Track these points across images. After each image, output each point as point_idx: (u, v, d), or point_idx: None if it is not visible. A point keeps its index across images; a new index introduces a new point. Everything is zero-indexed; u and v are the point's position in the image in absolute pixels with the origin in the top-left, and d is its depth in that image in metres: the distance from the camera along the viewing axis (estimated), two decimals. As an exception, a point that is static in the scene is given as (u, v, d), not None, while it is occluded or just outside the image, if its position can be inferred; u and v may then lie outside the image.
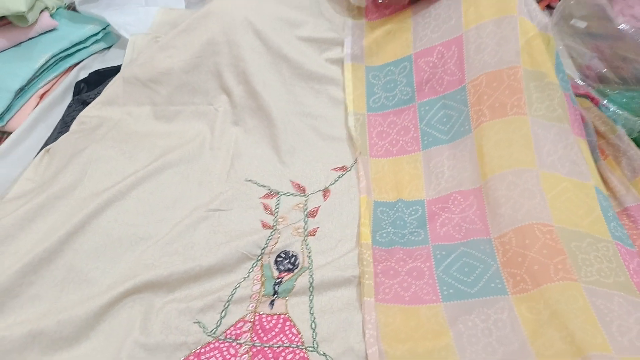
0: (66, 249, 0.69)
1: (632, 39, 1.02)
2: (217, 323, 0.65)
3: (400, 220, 0.77)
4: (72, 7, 1.10)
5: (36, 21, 0.96)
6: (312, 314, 0.66)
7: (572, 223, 0.69)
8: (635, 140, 0.87)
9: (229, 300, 0.67)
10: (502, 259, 0.68)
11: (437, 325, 0.64)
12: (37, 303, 0.64)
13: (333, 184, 0.83)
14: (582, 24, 1.13)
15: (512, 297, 0.65)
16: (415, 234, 0.75)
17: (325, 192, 0.82)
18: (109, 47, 1.08)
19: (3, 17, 0.94)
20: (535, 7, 0.88)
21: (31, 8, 0.94)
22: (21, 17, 0.93)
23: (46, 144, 0.87)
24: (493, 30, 0.84)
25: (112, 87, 0.93)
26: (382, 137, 0.90)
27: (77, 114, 0.89)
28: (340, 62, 1.01)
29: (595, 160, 0.85)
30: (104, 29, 1.06)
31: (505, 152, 0.75)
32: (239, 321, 0.65)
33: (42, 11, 0.98)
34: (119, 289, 0.65)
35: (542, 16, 0.87)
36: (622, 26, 1.03)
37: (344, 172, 0.85)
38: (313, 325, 0.65)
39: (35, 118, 0.90)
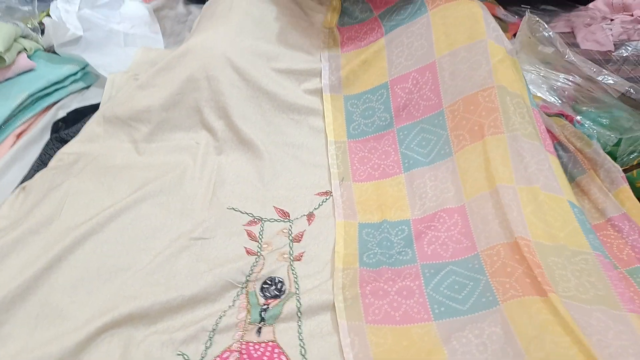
0: (41, 285, 0.66)
1: (583, 69, 1.07)
2: (202, 354, 0.62)
3: (387, 241, 0.76)
4: (51, 50, 1.10)
5: (14, 62, 0.96)
6: (301, 339, 0.64)
7: (550, 236, 0.69)
8: (609, 153, 0.89)
9: (213, 330, 0.64)
10: (491, 270, 0.68)
11: (430, 344, 0.62)
12: (8, 342, 0.61)
13: (317, 208, 0.82)
14: (549, 50, 1.18)
15: (503, 306, 0.63)
16: (403, 253, 0.74)
17: (310, 216, 0.81)
18: (88, 87, 1.08)
19: (-21, 59, 0.94)
20: (500, 33, 0.92)
21: (8, 49, 0.94)
22: (-2, 58, 0.93)
23: (23, 182, 0.85)
24: (465, 56, 0.88)
25: (93, 125, 0.92)
26: (363, 162, 0.90)
27: (55, 152, 0.88)
28: (318, 92, 1.02)
29: (579, 174, 0.86)
30: (83, 68, 1.06)
31: (486, 173, 0.76)
32: (225, 351, 0.62)
33: (19, 52, 0.99)
34: (96, 323, 0.61)
35: (507, 42, 0.91)
36: (570, 58, 1.09)
37: (328, 197, 0.85)
38: (303, 351, 0.62)
39: (12, 157, 0.88)
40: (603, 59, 1.14)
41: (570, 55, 1.08)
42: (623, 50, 1.09)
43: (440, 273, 0.71)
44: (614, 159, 0.87)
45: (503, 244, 0.69)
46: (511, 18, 1.32)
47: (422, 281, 0.70)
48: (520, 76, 0.87)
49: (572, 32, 1.21)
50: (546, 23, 1.15)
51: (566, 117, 0.96)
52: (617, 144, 0.92)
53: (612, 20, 1.20)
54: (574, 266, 0.66)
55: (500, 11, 1.31)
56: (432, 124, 0.88)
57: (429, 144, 0.87)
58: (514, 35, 1.24)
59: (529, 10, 1.21)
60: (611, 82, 1.01)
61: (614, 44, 1.13)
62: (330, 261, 0.73)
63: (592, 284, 0.64)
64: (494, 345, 0.60)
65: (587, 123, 0.95)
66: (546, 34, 1.12)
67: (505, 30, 1.26)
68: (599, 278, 0.65)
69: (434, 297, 0.68)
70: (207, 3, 1.16)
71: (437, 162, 0.84)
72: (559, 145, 0.90)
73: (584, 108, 1.01)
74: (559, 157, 0.88)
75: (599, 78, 1.02)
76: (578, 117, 0.95)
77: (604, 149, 0.90)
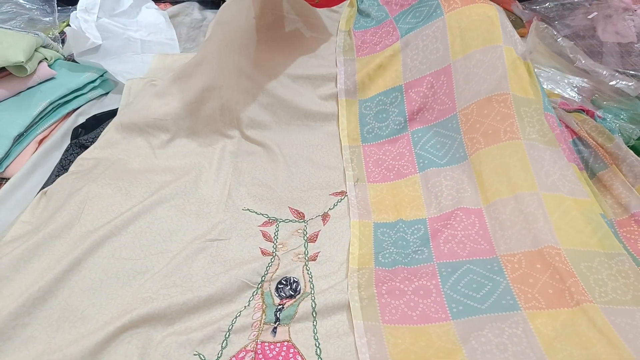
0: (61, 288, 0.67)
1: (594, 75, 1.05)
2: (218, 354, 0.62)
3: (403, 240, 0.75)
4: (70, 58, 1.13)
5: (35, 71, 0.99)
6: (316, 339, 0.63)
7: (581, 243, 0.68)
8: (633, 147, 0.87)
9: (229, 330, 0.64)
10: (512, 275, 0.67)
11: (448, 344, 0.61)
12: (30, 345, 0.62)
13: (332, 208, 0.82)
14: (558, 58, 1.15)
15: (525, 312, 0.62)
16: (419, 252, 0.73)
17: (325, 216, 0.81)
18: (107, 93, 1.10)
19: (3, 69, 0.96)
20: (516, 37, 0.90)
21: (30, 59, 0.97)
22: (20, 67, 0.95)
23: (44, 187, 0.87)
24: (480, 59, 0.86)
25: (111, 132, 0.93)
26: (378, 164, 0.90)
27: (75, 158, 0.90)
28: (333, 97, 1.02)
29: (600, 169, 0.84)
30: (101, 76, 1.08)
31: (504, 178, 0.76)
32: (240, 351, 0.62)
33: (40, 62, 1.01)
34: (115, 325, 0.62)
35: (522, 45, 0.89)
36: (581, 65, 1.07)
37: (343, 197, 0.84)
38: (318, 351, 0.62)
39: (33, 163, 0.90)
40: (625, 51, 1.11)
41: (581, 60, 1.05)
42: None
43: (458, 272, 0.70)
44: (637, 153, 0.84)
45: (525, 252, 0.68)
46: (527, 14, 1.29)
47: (439, 280, 0.69)
48: (534, 80, 0.86)
49: (592, 24, 1.18)
50: (564, 17, 1.13)
51: (587, 112, 0.94)
52: (640, 138, 0.89)
53: (634, 11, 1.17)
54: (609, 270, 0.65)
55: (517, 7, 1.29)
56: (445, 128, 0.88)
57: (444, 147, 0.87)
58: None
59: (535, 18, 1.18)
60: (624, 85, 0.99)
61: (636, 35, 1.10)
62: (345, 261, 0.73)
63: (629, 285, 0.63)
64: (515, 347, 0.59)
65: (609, 117, 0.92)
66: (555, 41, 1.09)
67: (521, 26, 1.24)
68: (637, 277, 0.64)
69: (452, 296, 0.67)
70: (220, 8, 1.17)
71: (452, 165, 0.84)
72: (579, 140, 0.88)
73: (604, 103, 0.98)
74: (579, 152, 0.86)
75: (612, 83, 1.00)
76: (599, 112, 0.93)
77: (626, 143, 0.87)
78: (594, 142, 0.87)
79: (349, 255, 0.74)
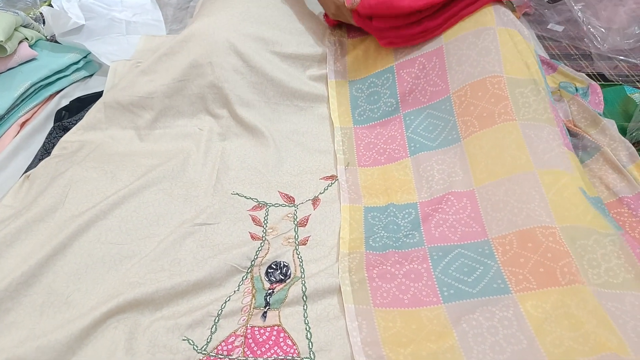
0: (45, 272, 0.65)
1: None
2: (207, 339, 0.61)
3: (393, 224, 0.75)
4: (53, 39, 1.10)
5: (15, 51, 0.96)
6: (306, 323, 0.63)
7: (578, 219, 0.67)
8: (620, 128, 0.87)
9: (218, 315, 0.63)
10: (503, 258, 0.66)
11: (439, 327, 0.61)
12: (14, 330, 0.60)
13: (322, 192, 0.81)
14: (559, 28, 1.15)
15: (516, 295, 0.62)
16: (410, 236, 0.73)
17: (315, 201, 0.80)
18: (91, 75, 1.07)
19: (-19, 49, 0.93)
20: (512, 18, 0.89)
21: (9, 38, 0.94)
22: (-1, 47, 0.92)
23: (27, 170, 0.84)
24: (473, 41, 0.85)
25: (94, 112, 0.91)
26: (369, 148, 0.89)
27: (58, 140, 0.88)
28: (323, 78, 1.01)
29: (587, 157, 0.84)
30: (85, 57, 1.05)
31: (498, 160, 0.75)
32: (230, 335, 0.62)
33: (21, 42, 0.98)
34: (101, 310, 0.61)
35: (520, 26, 0.88)
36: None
37: (334, 181, 0.83)
38: (308, 335, 0.61)
39: (15, 146, 0.88)
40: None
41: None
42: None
43: (449, 256, 0.69)
44: (624, 134, 0.84)
45: (515, 232, 0.67)
46: (518, 0, 1.29)
47: (430, 264, 0.69)
48: (534, 60, 0.85)
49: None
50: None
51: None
52: (628, 119, 0.89)
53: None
54: (603, 249, 0.64)
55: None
56: (439, 110, 0.87)
57: (436, 129, 0.85)
58: (523, 15, 1.21)
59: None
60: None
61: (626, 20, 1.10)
62: (335, 245, 0.72)
63: (620, 266, 0.63)
64: (506, 330, 0.59)
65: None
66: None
67: (512, 10, 1.24)
68: (628, 258, 0.63)
69: (443, 279, 0.67)
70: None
71: (444, 147, 0.83)
72: (566, 128, 0.88)
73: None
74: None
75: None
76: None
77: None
78: (580, 130, 0.87)
79: (339, 239, 0.73)
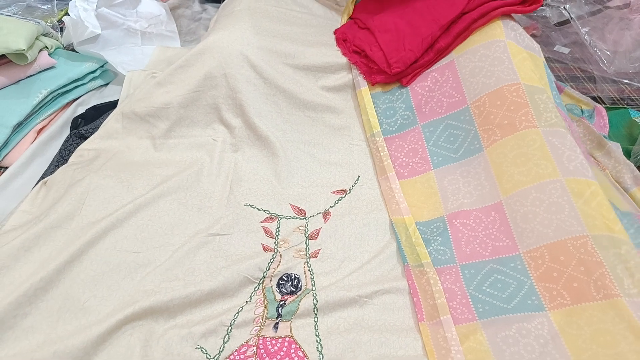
0: (63, 278, 0.67)
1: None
2: (220, 348, 0.63)
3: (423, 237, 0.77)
4: (70, 48, 1.12)
5: (35, 59, 0.98)
6: (317, 335, 0.64)
7: (608, 228, 0.66)
8: (625, 151, 0.88)
9: (231, 325, 0.65)
10: (536, 274, 0.66)
11: (475, 344, 0.62)
12: (31, 335, 0.62)
13: (333, 206, 0.83)
14: (565, 50, 1.17)
15: (550, 313, 0.63)
16: (442, 252, 0.73)
17: (326, 214, 0.81)
18: (107, 84, 1.09)
19: (3, 56, 0.95)
20: (521, 31, 0.91)
21: (30, 47, 0.96)
22: (20, 55, 0.94)
23: (43, 177, 0.86)
24: (484, 53, 0.87)
25: (112, 122, 0.93)
26: (391, 160, 0.90)
27: (75, 148, 0.89)
28: (335, 89, 1.02)
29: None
30: (102, 66, 1.08)
31: (524, 168, 0.74)
32: (242, 346, 0.63)
33: (41, 50, 1.00)
34: (117, 317, 0.62)
35: (529, 41, 0.90)
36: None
37: (344, 195, 0.85)
38: (319, 347, 0.63)
39: (32, 152, 0.90)
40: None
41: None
42: None
43: (481, 272, 0.70)
44: (628, 157, 0.86)
45: (547, 245, 0.67)
46: (525, 21, 1.31)
47: (463, 282, 0.69)
48: (543, 74, 0.86)
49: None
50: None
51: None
52: (632, 142, 0.91)
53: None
54: (634, 259, 0.63)
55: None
56: (458, 120, 0.87)
57: (457, 139, 0.85)
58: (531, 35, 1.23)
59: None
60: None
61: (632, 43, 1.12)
62: (346, 259, 0.74)
63: None
64: (542, 349, 0.60)
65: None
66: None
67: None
68: None
69: (477, 296, 0.67)
70: (224, 2, 1.18)
71: (467, 158, 0.82)
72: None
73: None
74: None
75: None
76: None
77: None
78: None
79: (349, 252, 0.74)
